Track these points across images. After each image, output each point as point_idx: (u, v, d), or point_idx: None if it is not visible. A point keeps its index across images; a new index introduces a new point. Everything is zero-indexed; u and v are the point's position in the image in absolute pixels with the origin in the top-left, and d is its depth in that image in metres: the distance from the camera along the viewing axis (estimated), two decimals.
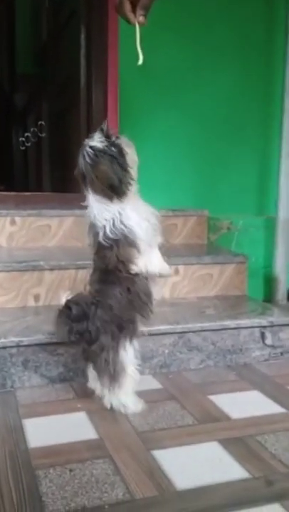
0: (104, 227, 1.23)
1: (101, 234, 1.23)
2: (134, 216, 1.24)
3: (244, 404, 1.41)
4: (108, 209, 1.23)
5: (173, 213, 2.31)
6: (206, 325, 1.67)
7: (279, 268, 2.41)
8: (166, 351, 1.62)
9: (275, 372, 1.63)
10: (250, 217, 2.54)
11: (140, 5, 1.27)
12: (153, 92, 2.45)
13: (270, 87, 2.56)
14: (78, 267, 1.82)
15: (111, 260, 1.24)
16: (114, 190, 1.21)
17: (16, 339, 1.47)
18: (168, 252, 2.04)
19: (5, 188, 3.23)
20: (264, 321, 1.72)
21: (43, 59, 3.49)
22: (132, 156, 1.24)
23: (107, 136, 1.21)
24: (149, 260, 1.28)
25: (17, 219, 2.08)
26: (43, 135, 3.47)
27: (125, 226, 1.22)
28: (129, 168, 1.22)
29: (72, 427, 1.26)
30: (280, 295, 2.41)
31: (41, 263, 1.79)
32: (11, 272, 1.76)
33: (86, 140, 1.21)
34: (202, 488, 1.02)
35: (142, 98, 2.43)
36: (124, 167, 1.21)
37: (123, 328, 1.28)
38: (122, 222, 1.22)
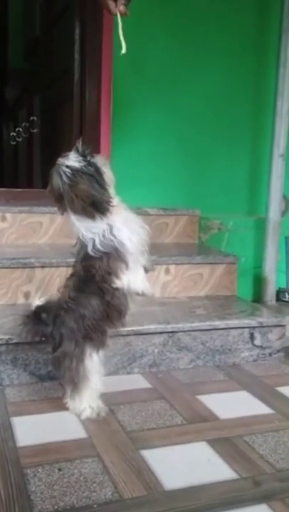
0: (94, 240, 1.22)
1: (90, 246, 1.23)
2: (125, 229, 1.24)
3: (232, 404, 1.42)
4: (94, 225, 1.22)
5: (164, 212, 2.31)
6: (196, 325, 1.67)
7: (269, 269, 2.43)
8: (156, 351, 1.63)
9: (263, 373, 1.65)
10: (241, 217, 2.55)
11: None
12: (145, 89, 2.44)
13: (262, 87, 2.57)
14: (69, 265, 1.79)
15: (99, 271, 1.24)
16: (97, 208, 1.20)
17: (6, 337, 1.47)
18: (159, 250, 2.05)
19: None
20: (253, 322, 1.73)
21: (35, 53, 3.47)
22: (108, 175, 1.24)
23: (83, 155, 1.20)
24: (133, 277, 1.27)
25: (8, 215, 2.06)
26: (35, 130, 3.45)
27: (115, 238, 1.22)
28: (107, 187, 1.21)
29: (61, 425, 1.26)
30: (270, 296, 2.43)
31: (32, 260, 1.79)
32: (1, 268, 1.75)
33: (61, 159, 1.20)
34: (190, 488, 1.03)
35: (134, 95, 2.43)
36: (102, 185, 1.20)
37: (91, 338, 1.28)
38: (112, 234, 1.22)
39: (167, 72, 2.46)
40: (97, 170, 1.20)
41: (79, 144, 1.21)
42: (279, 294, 2.48)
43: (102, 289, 1.25)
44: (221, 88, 2.54)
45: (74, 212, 1.21)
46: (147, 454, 1.15)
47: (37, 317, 1.30)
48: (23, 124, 3.67)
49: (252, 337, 1.73)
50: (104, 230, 1.21)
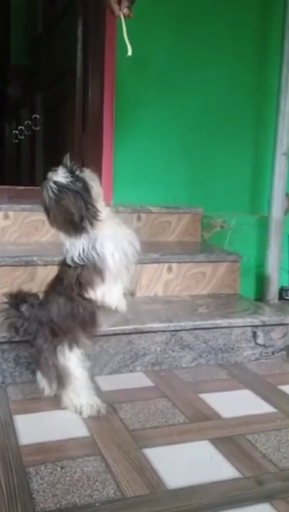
0: (73, 252, 1.24)
1: (68, 256, 1.25)
2: (109, 245, 1.24)
3: (235, 403, 1.42)
4: (76, 239, 1.23)
5: (167, 210, 2.30)
6: (199, 323, 1.67)
7: (271, 267, 2.42)
8: (159, 349, 1.62)
9: (266, 372, 1.64)
10: (244, 215, 2.55)
11: None
12: (148, 87, 2.44)
13: (265, 85, 2.57)
14: None
15: (68, 278, 1.26)
16: (73, 226, 1.21)
17: (8, 335, 1.46)
18: (162, 249, 2.05)
19: None
20: (256, 321, 1.73)
21: (37, 51, 3.46)
22: (96, 190, 1.24)
23: (71, 171, 1.21)
24: (109, 292, 1.28)
25: (10, 213, 2.06)
26: (37, 128, 3.44)
27: (97, 254, 1.23)
28: (94, 202, 1.22)
29: (63, 424, 1.26)
30: (272, 294, 2.43)
31: (34, 258, 1.78)
32: (4, 266, 1.75)
33: (50, 174, 1.22)
34: (193, 487, 1.02)
35: (137, 94, 2.43)
36: (88, 201, 1.21)
37: (57, 334, 1.29)
38: (94, 249, 1.23)
39: (170, 70, 2.46)
40: (85, 185, 1.21)
41: (67, 160, 1.23)
42: (282, 292, 2.47)
43: (69, 295, 1.27)
44: (224, 87, 2.54)
45: (57, 227, 1.24)
46: (150, 452, 1.15)
47: (15, 308, 1.34)
48: (26, 122, 3.66)
49: (254, 336, 1.73)
50: (84, 245, 1.23)
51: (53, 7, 3.08)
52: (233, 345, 1.71)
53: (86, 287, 1.25)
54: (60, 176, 1.20)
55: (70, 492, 1.00)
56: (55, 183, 1.20)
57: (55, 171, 1.22)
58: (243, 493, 1.01)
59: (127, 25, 1.37)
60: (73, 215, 1.19)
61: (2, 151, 4.34)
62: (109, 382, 1.50)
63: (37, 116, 3.42)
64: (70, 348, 1.29)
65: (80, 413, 1.29)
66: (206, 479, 1.05)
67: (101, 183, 2.51)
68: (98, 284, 1.25)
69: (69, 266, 1.26)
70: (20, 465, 1.08)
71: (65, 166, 1.22)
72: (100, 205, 1.24)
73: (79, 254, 1.23)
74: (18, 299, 1.36)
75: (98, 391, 1.45)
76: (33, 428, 1.24)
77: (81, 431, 1.23)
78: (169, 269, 1.97)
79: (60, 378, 1.29)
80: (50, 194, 1.20)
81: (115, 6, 1.31)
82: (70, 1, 2.68)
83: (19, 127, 3.86)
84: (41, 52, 3.36)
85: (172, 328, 1.64)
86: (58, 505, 0.95)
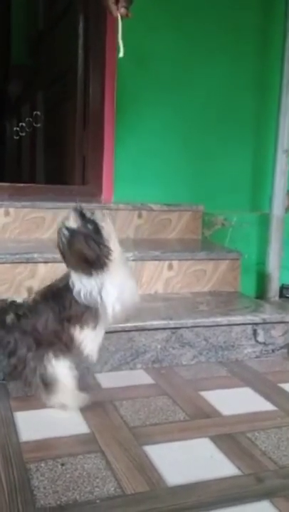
0: (80, 291, 1.26)
1: (75, 292, 1.26)
2: (113, 295, 1.26)
3: (235, 400, 1.42)
4: (88, 282, 1.25)
5: (168, 208, 2.30)
6: (199, 321, 1.67)
7: (272, 265, 2.42)
8: (159, 346, 1.63)
9: (266, 370, 1.64)
10: (245, 213, 2.55)
11: None
12: (149, 85, 2.44)
13: (266, 83, 2.56)
14: None
15: (70, 311, 1.27)
16: (92, 264, 1.24)
17: None
18: (162, 246, 2.05)
19: None
20: (256, 318, 1.73)
21: (38, 49, 3.46)
22: (107, 229, 1.26)
23: (81, 215, 1.24)
24: (91, 338, 1.30)
25: (11, 210, 2.06)
26: (38, 125, 3.44)
27: (101, 299, 1.25)
28: (106, 243, 1.25)
29: (63, 420, 1.26)
30: (273, 292, 2.43)
31: (35, 255, 1.78)
32: (4, 263, 1.75)
33: (62, 220, 1.25)
34: (193, 485, 1.03)
35: (138, 92, 2.42)
36: (100, 242, 1.24)
37: (41, 343, 1.28)
38: (99, 295, 1.25)
39: (171, 68, 2.45)
40: (96, 227, 1.24)
41: (78, 205, 1.27)
42: (282, 290, 2.47)
43: (60, 319, 1.28)
44: (225, 84, 2.54)
45: (72, 269, 1.27)
46: (150, 449, 1.15)
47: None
48: (27, 118, 3.66)
49: (255, 333, 1.73)
50: (92, 287, 1.25)
51: (54, 6, 3.07)
52: (234, 342, 1.71)
53: (77, 324, 1.28)
54: (71, 221, 1.24)
55: (70, 489, 1.00)
56: (67, 228, 1.23)
57: (66, 218, 1.25)
58: (242, 491, 1.02)
59: (123, 26, 1.36)
60: (86, 257, 1.23)
61: (3, 149, 4.34)
62: (109, 380, 1.51)
63: (38, 113, 3.42)
64: (56, 357, 1.28)
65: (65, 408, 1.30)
66: (206, 476, 1.05)
67: (102, 180, 2.53)
68: (88, 328, 1.28)
69: (71, 292, 1.26)
70: (20, 461, 1.08)
71: (76, 211, 1.25)
72: (113, 243, 1.26)
73: (85, 294, 1.25)
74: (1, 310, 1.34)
75: (99, 388, 1.45)
76: (33, 425, 1.24)
77: (81, 428, 1.23)
78: (170, 267, 1.97)
79: (48, 386, 1.28)
80: (64, 239, 1.24)
81: (113, 6, 1.31)
82: (70, 0, 2.68)
83: (20, 124, 3.86)
84: (42, 51, 3.35)
85: (173, 326, 1.64)
86: (58, 502, 0.96)
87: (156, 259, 1.94)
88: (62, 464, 1.08)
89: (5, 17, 4.21)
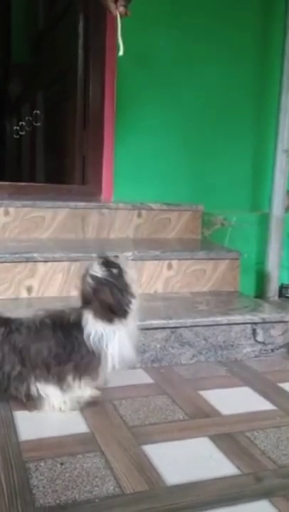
0: (91, 332, 1.25)
1: (86, 334, 1.25)
2: (116, 347, 1.26)
3: (234, 400, 1.42)
4: (102, 328, 1.25)
5: (167, 207, 2.30)
6: (199, 320, 1.67)
7: (271, 264, 2.42)
8: (158, 346, 1.63)
9: (265, 369, 1.65)
10: (244, 213, 2.55)
11: None
12: (149, 84, 2.44)
13: (266, 81, 2.56)
14: (72, 260, 1.82)
15: (75, 351, 1.26)
16: (115, 312, 1.25)
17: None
18: (162, 246, 2.05)
19: None
20: (256, 318, 1.73)
21: (38, 48, 3.46)
22: (130, 274, 1.28)
23: (106, 264, 1.26)
24: (81, 390, 1.29)
25: (11, 209, 2.06)
26: (38, 124, 3.44)
27: (107, 349, 1.25)
28: (129, 289, 1.26)
29: (62, 420, 1.27)
30: (272, 291, 2.43)
31: (35, 255, 1.79)
32: (4, 263, 1.76)
33: (88, 267, 1.26)
34: (192, 484, 1.03)
35: (138, 90, 2.42)
36: (124, 289, 1.25)
37: (25, 365, 1.26)
38: (106, 343, 1.25)
39: (171, 67, 2.45)
40: (120, 272, 1.25)
41: (102, 252, 1.32)
42: (282, 289, 2.48)
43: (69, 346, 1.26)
44: (225, 83, 2.54)
45: (96, 316, 1.25)
46: (149, 449, 1.15)
47: None
48: (26, 117, 3.66)
49: (254, 333, 1.73)
50: (104, 335, 1.25)
51: (54, 5, 3.07)
52: (233, 342, 1.71)
53: (79, 371, 1.26)
54: (96, 269, 1.25)
55: (69, 488, 1.00)
56: (91, 276, 1.24)
57: (91, 265, 1.26)
58: (241, 490, 1.02)
59: (122, 24, 1.36)
60: (111, 304, 1.24)
61: (3, 148, 4.34)
62: (109, 379, 1.50)
63: (38, 112, 3.42)
64: (40, 382, 1.27)
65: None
66: (205, 476, 1.06)
67: (101, 180, 2.53)
68: (88, 379, 1.27)
69: (81, 332, 1.25)
70: (20, 461, 1.08)
71: (101, 258, 1.27)
72: (135, 288, 1.28)
73: (94, 339, 1.24)
74: None
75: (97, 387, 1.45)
76: (33, 424, 1.24)
77: (81, 427, 1.23)
78: (169, 266, 1.97)
79: (34, 401, 1.28)
80: (88, 287, 1.25)
81: (112, 5, 1.31)
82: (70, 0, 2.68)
83: (20, 123, 3.86)
84: (42, 51, 3.35)
85: (172, 325, 1.64)
86: (57, 501, 0.96)
87: (155, 259, 1.94)
88: (62, 464, 1.08)
89: (5, 16, 4.21)
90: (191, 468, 1.08)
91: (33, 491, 0.98)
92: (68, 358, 1.25)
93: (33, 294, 1.80)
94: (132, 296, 1.26)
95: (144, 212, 2.27)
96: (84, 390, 1.29)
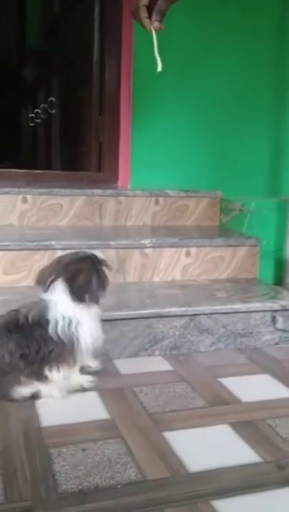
0: (57, 321, 1.25)
1: (51, 327, 1.24)
2: (89, 331, 1.28)
3: (254, 387, 1.42)
4: (71, 308, 1.27)
5: (185, 194, 2.29)
6: (218, 308, 1.66)
7: None
8: (177, 333, 1.62)
9: (285, 356, 1.63)
10: (263, 199, 2.51)
11: (156, 10, 1.26)
12: (166, 68, 2.38)
13: (285, 66, 2.51)
14: (90, 247, 1.80)
15: (41, 348, 1.25)
16: (90, 296, 1.28)
17: None
18: (180, 233, 2.04)
19: (13, 164, 3.20)
20: (275, 305, 1.72)
21: (54, 33, 3.43)
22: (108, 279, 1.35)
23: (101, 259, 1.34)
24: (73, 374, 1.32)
25: (28, 197, 2.07)
26: (53, 111, 3.43)
27: (77, 333, 1.26)
28: (106, 282, 1.33)
29: (83, 406, 1.27)
30: None
31: (53, 242, 1.79)
32: (23, 250, 1.76)
33: (96, 252, 1.36)
34: (213, 471, 1.03)
35: (155, 75, 2.38)
36: (104, 284, 1.32)
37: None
38: (76, 329, 1.26)
39: (188, 52, 2.41)
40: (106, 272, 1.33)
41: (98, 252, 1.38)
42: None
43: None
44: (244, 68, 2.49)
45: (70, 290, 1.27)
46: (169, 436, 1.15)
47: None
48: (42, 105, 3.65)
49: (274, 320, 1.72)
50: (72, 321, 1.26)
51: None
52: (252, 329, 1.70)
53: (53, 363, 1.26)
54: (98, 253, 1.35)
55: (91, 474, 1.01)
56: (93, 254, 1.34)
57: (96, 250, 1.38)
58: (263, 478, 1.01)
59: (158, 40, 1.34)
60: (92, 284, 1.29)
61: (19, 135, 4.34)
62: (128, 366, 1.51)
63: (53, 99, 3.41)
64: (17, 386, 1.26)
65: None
66: (226, 463, 1.05)
67: (118, 167, 2.51)
68: (66, 367, 1.28)
69: (44, 328, 1.25)
70: (42, 447, 1.09)
71: (101, 254, 1.36)
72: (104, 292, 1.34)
73: (62, 328, 1.24)
74: None
75: (117, 374, 1.46)
76: (54, 410, 1.25)
77: (101, 414, 1.24)
78: (187, 254, 1.96)
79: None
80: (83, 254, 1.33)
81: (146, 21, 1.30)
82: None
83: (35, 110, 3.85)
84: (58, 35, 3.33)
85: (191, 313, 1.63)
86: (80, 487, 0.97)
87: (173, 246, 1.93)
88: (83, 450, 1.09)
89: (20, 1, 4.18)
90: (213, 456, 1.08)
91: (56, 477, 0.99)
92: (36, 355, 1.24)
93: None
94: (104, 290, 1.32)
95: (161, 199, 2.25)
96: (69, 378, 1.30)
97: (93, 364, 1.39)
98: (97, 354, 1.35)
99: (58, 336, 1.24)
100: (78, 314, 1.27)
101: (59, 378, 1.27)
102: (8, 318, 1.29)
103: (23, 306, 1.31)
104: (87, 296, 1.28)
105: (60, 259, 1.33)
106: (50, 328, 1.25)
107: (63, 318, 1.25)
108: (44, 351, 1.24)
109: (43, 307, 1.27)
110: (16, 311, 1.30)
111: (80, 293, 1.27)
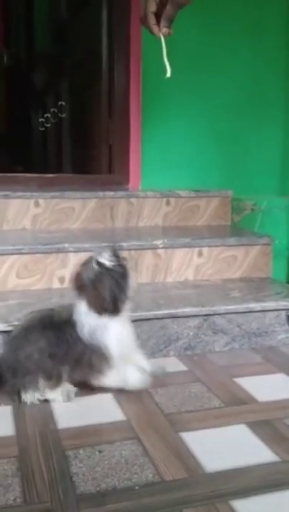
0: (84, 326, 1.25)
1: (79, 330, 1.25)
2: (115, 337, 1.26)
3: (270, 387, 1.41)
4: (93, 320, 1.25)
5: (196, 194, 2.28)
6: (231, 307, 1.65)
7: None
8: (191, 333, 1.62)
9: None
10: (275, 197, 2.50)
11: (164, 16, 1.27)
12: (175, 70, 2.38)
13: None
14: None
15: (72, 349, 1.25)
16: (106, 308, 1.24)
17: None
18: (191, 233, 2.03)
19: (24, 169, 3.23)
20: None
21: (62, 37, 3.45)
22: (132, 280, 1.27)
23: (116, 256, 1.24)
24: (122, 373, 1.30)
25: (41, 201, 2.08)
26: (63, 115, 3.45)
27: (104, 340, 1.25)
28: (127, 290, 1.26)
29: (99, 408, 1.28)
30: None
31: (66, 245, 1.80)
32: (36, 254, 1.77)
33: (94, 254, 1.25)
34: (231, 471, 1.02)
35: (163, 77, 2.39)
36: (123, 288, 1.24)
37: (17, 375, 1.26)
38: (102, 335, 1.25)
39: (197, 52, 2.41)
40: (124, 272, 1.24)
41: (115, 245, 1.33)
42: None
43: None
44: (253, 67, 2.49)
45: (88, 304, 1.25)
46: (186, 436, 1.15)
47: None
48: (52, 109, 3.67)
49: (288, 319, 1.70)
50: (97, 328, 1.25)
51: None
52: (267, 329, 1.69)
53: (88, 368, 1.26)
54: (104, 258, 1.23)
55: (109, 475, 1.01)
56: (98, 263, 1.22)
57: (100, 252, 1.24)
58: (282, 477, 1.01)
59: (167, 45, 1.34)
60: (106, 298, 1.23)
61: (29, 140, 4.37)
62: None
63: (63, 103, 3.42)
64: (32, 390, 1.27)
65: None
66: (244, 463, 1.05)
67: (129, 168, 2.52)
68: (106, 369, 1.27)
69: (74, 328, 1.25)
70: (59, 448, 1.10)
71: (112, 250, 1.25)
72: (132, 292, 1.27)
73: (89, 332, 1.24)
74: None
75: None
76: (70, 412, 1.25)
77: (117, 415, 1.24)
78: (200, 254, 1.95)
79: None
80: (90, 273, 1.23)
81: (154, 28, 1.31)
82: None
83: (45, 115, 3.87)
84: (66, 39, 3.34)
85: (205, 313, 1.63)
86: (97, 489, 0.97)
87: (185, 246, 1.93)
88: (100, 451, 1.09)
89: (28, 6, 4.21)
90: (230, 455, 1.08)
91: (74, 479, 0.99)
92: (65, 356, 1.25)
93: (66, 285, 1.80)
94: (127, 296, 1.26)
95: (172, 200, 2.25)
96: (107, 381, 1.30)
97: (144, 363, 1.37)
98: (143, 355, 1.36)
99: (86, 340, 1.24)
100: (103, 322, 1.26)
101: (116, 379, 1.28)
102: (43, 313, 1.30)
103: (59, 306, 1.33)
104: (104, 310, 1.25)
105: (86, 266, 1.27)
106: (79, 331, 1.25)
107: (89, 325, 1.25)
108: (73, 353, 1.25)
109: (74, 311, 1.27)
110: (51, 309, 1.31)
111: (98, 309, 1.25)
